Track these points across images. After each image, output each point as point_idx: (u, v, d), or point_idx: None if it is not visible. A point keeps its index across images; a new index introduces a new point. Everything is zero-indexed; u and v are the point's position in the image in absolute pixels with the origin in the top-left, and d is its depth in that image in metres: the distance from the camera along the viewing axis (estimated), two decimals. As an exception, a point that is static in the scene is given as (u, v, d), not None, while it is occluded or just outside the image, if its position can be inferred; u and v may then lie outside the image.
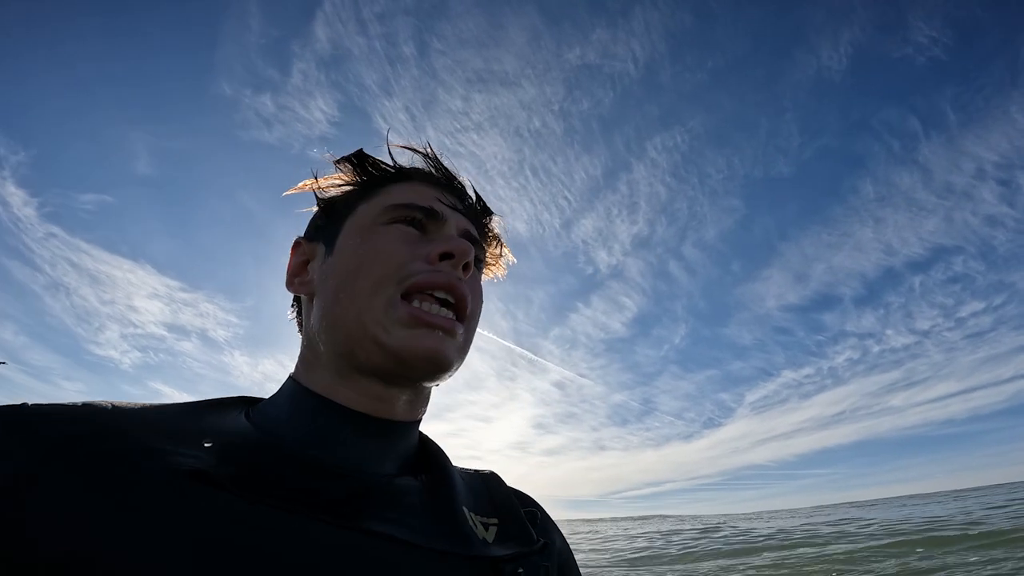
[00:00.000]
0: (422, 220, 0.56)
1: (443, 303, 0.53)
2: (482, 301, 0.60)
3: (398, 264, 0.52)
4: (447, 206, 0.58)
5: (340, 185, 0.62)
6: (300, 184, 0.63)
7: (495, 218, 0.66)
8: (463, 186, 0.63)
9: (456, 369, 0.54)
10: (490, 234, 0.66)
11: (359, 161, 0.61)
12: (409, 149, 0.62)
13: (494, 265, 0.69)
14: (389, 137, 0.62)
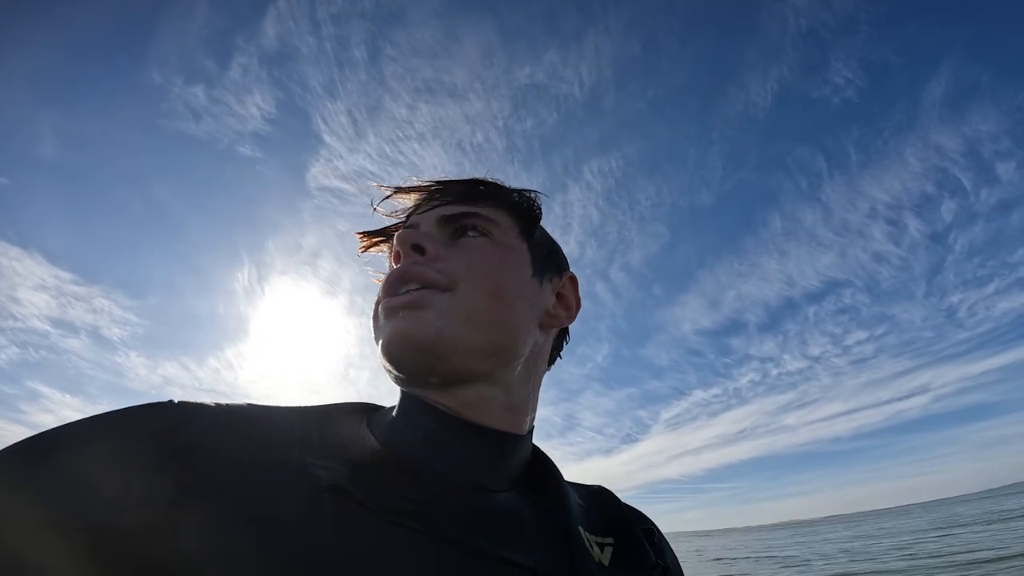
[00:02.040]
0: (388, 247, 0.60)
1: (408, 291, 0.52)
2: (489, 258, 0.54)
3: (381, 289, 0.54)
4: (423, 212, 0.58)
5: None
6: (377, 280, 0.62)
7: (485, 179, 0.60)
8: (441, 183, 0.60)
9: (457, 335, 0.49)
10: (490, 194, 0.59)
11: (377, 240, 0.63)
12: (398, 196, 0.61)
13: (521, 211, 0.61)
14: (375, 203, 0.61)
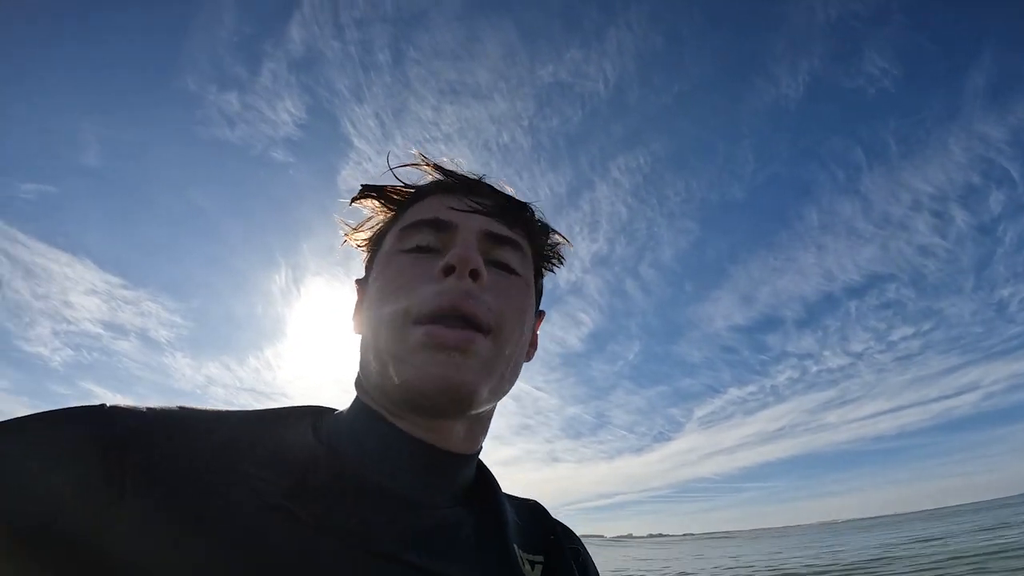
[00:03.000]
0: (434, 235, 0.53)
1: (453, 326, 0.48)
2: (522, 305, 0.54)
3: (407, 291, 0.50)
4: (463, 210, 0.54)
5: (372, 225, 0.60)
6: (342, 242, 0.62)
7: (533, 207, 0.59)
8: (484, 185, 0.58)
9: (488, 390, 0.49)
10: (531, 226, 0.59)
11: (369, 194, 0.59)
12: (412, 166, 0.59)
13: (548, 257, 0.63)
14: (389, 160, 0.58)
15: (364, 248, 0.62)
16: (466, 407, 0.48)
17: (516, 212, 0.58)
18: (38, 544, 0.34)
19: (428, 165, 0.59)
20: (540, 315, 0.65)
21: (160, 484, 0.38)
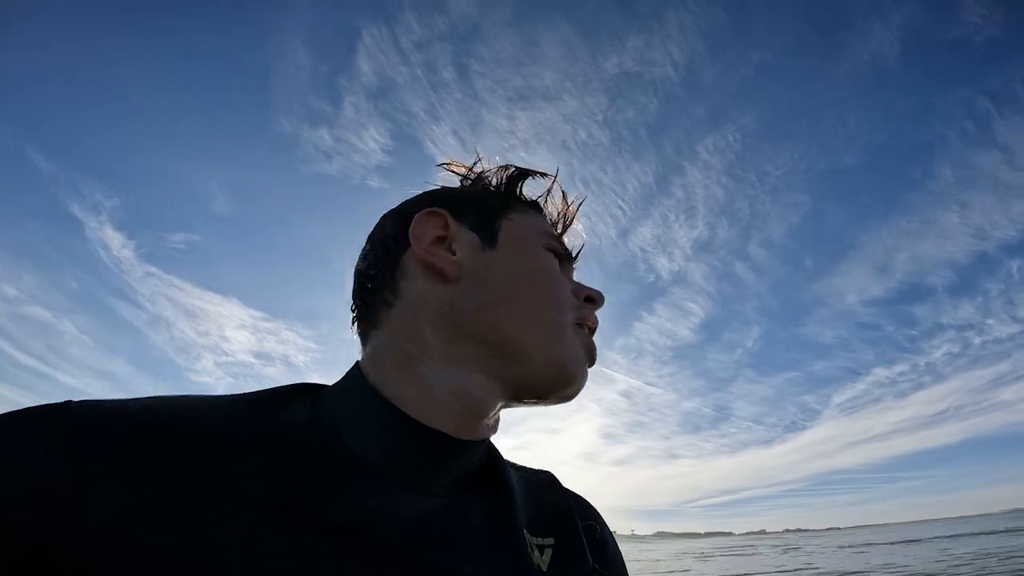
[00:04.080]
0: (560, 257, 0.57)
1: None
2: None
3: (569, 294, 0.54)
4: (570, 253, 0.59)
5: (485, 183, 0.59)
6: (452, 162, 0.61)
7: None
8: (583, 240, 0.62)
9: None
10: None
11: (518, 176, 0.59)
12: (564, 193, 0.61)
13: None
14: (533, 168, 0.60)
15: (477, 191, 0.59)
16: (561, 402, 0.53)
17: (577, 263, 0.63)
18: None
19: (568, 200, 0.61)
20: None
21: (127, 485, 0.35)
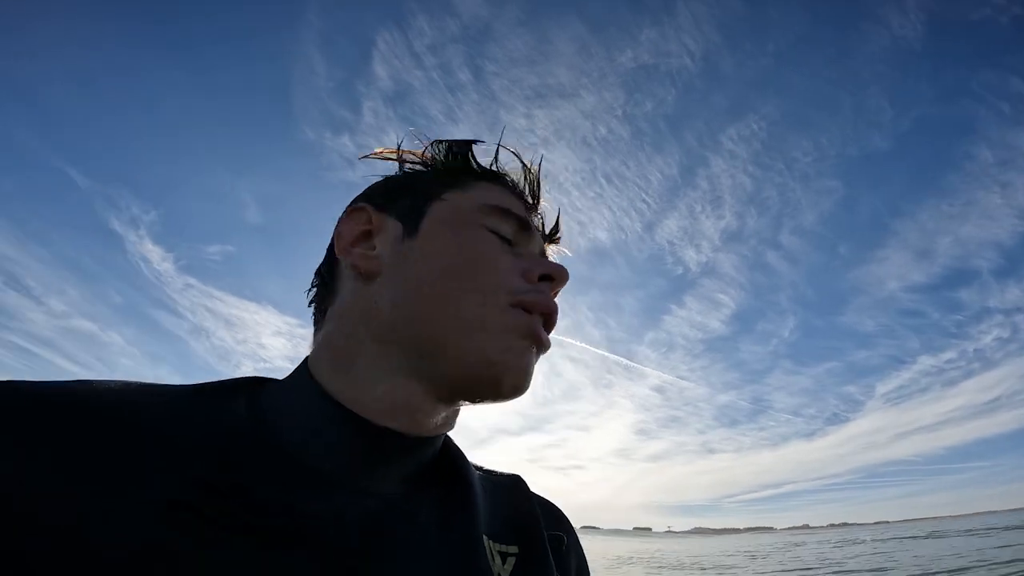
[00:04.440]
0: (515, 231, 0.51)
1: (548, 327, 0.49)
2: None
3: (505, 273, 0.47)
4: (535, 228, 0.54)
5: (424, 164, 0.56)
6: (380, 149, 0.57)
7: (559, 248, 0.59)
8: (544, 208, 0.57)
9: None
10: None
11: (461, 148, 0.55)
12: (516, 154, 0.56)
13: None
14: (502, 139, 0.55)
15: (400, 178, 0.56)
16: (508, 399, 0.47)
17: (557, 240, 0.59)
18: None
19: (527, 166, 0.57)
20: None
21: (36, 477, 0.32)
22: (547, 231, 0.57)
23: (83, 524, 0.31)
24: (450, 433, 0.51)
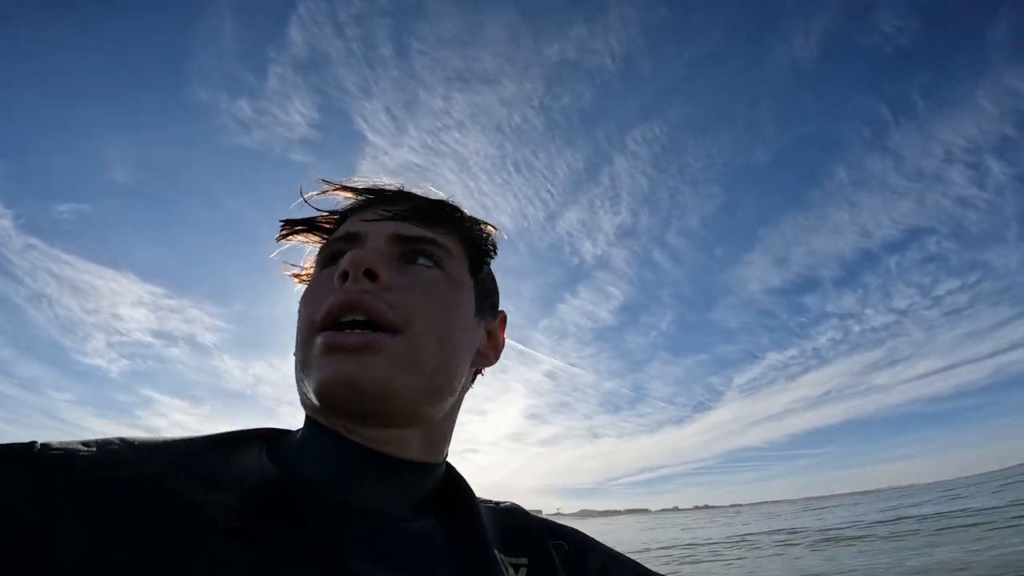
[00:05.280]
0: (342, 251, 0.51)
1: (354, 324, 0.46)
2: (442, 298, 0.51)
3: (316, 305, 0.48)
4: (371, 220, 0.53)
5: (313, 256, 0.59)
6: (290, 274, 0.61)
7: (452, 202, 0.57)
8: (401, 193, 0.56)
9: (408, 386, 0.46)
10: (453, 221, 0.56)
11: (298, 228, 0.58)
12: (323, 193, 0.57)
13: (480, 248, 0.59)
14: (302, 192, 0.57)
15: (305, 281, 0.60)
16: (381, 402, 0.46)
17: (431, 211, 0.55)
18: None
19: (342, 189, 0.58)
20: (499, 315, 0.64)
21: (96, 524, 0.35)
22: (401, 210, 0.55)
23: (149, 556, 0.35)
24: None
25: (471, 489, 0.56)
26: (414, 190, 0.57)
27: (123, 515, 0.36)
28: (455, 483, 0.55)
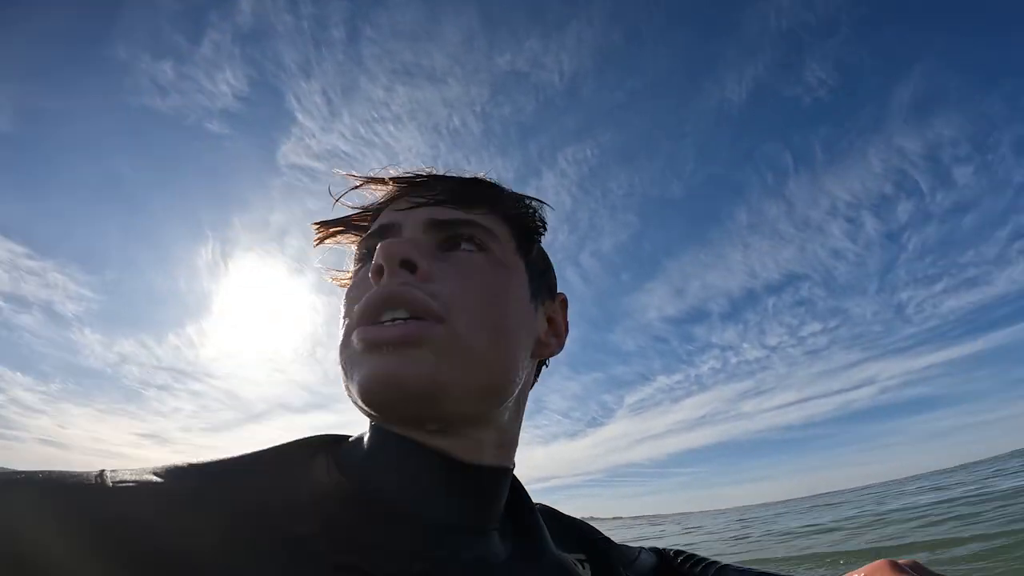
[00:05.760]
0: (370, 247, 0.49)
1: (393, 321, 0.43)
2: (488, 281, 0.47)
3: (353, 303, 0.46)
4: (404, 210, 0.50)
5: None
6: (333, 279, 0.58)
7: (489, 178, 0.53)
8: (431, 177, 0.52)
9: (462, 381, 0.42)
10: (493, 198, 0.52)
11: (335, 230, 0.56)
12: (356, 188, 0.54)
13: (527, 224, 0.55)
14: (332, 191, 0.54)
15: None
16: (430, 403, 0.42)
17: (467, 191, 0.51)
18: None
19: (370, 181, 0.54)
20: (558, 297, 0.59)
21: (176, 556, 0.32)
22: (437, 195, 0.50)
23: None
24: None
25: (527, 493, 0.54)
26: (446, 172, 0.53)
27: (228, 551, 0.33)
28: (517, 490, 0.53)
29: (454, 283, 0.45)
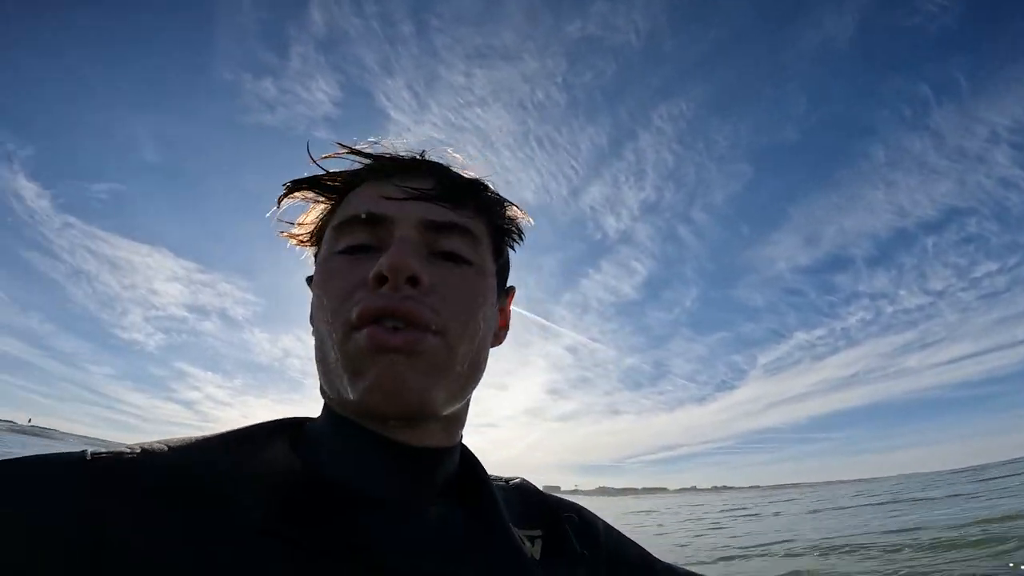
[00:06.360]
0: (369, 232, 0.48)
1: (395, 328, 0.44)
2: (475, 296, 0.49)
3: (346, 298, 0.46)
4: (399, 198, 0.49)
5: (313, 219, 0.55)
6: (285, 235, 0.57)
7: (482, 181, 0.54)
8: (424, 163, 0.52)
9: (444, 393, 0.46)
10: (482, 202, 0.53)
11: (301, 187, 0.54)
12: (335, 156, 0.53)
13: (506, 232, 0.57)
14: (310, 150, 0.53)
15: (308, 245, 0.57)
16: (418, 412, 0.45)
17: (461, 191, 0.52)
18: None
19: (355, 153, 0.53)
20: (509, 292, 0.61)
21: (145, 531, 0.36)
22: (433, 189, 0.50)
23: (194, 559, 0.35)
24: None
25: (484, 468, 0.56)
26: (434, 158, 0.53)
27: (171, 522, 0.36)
28: (470, 464, 0.55)
29: (447, 297, 0.47)
